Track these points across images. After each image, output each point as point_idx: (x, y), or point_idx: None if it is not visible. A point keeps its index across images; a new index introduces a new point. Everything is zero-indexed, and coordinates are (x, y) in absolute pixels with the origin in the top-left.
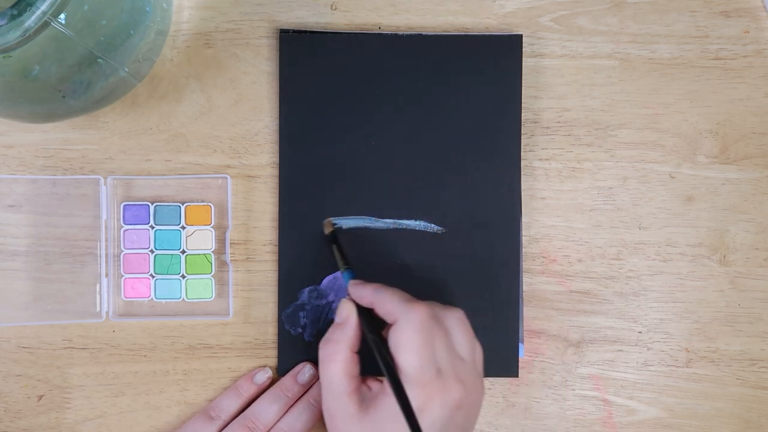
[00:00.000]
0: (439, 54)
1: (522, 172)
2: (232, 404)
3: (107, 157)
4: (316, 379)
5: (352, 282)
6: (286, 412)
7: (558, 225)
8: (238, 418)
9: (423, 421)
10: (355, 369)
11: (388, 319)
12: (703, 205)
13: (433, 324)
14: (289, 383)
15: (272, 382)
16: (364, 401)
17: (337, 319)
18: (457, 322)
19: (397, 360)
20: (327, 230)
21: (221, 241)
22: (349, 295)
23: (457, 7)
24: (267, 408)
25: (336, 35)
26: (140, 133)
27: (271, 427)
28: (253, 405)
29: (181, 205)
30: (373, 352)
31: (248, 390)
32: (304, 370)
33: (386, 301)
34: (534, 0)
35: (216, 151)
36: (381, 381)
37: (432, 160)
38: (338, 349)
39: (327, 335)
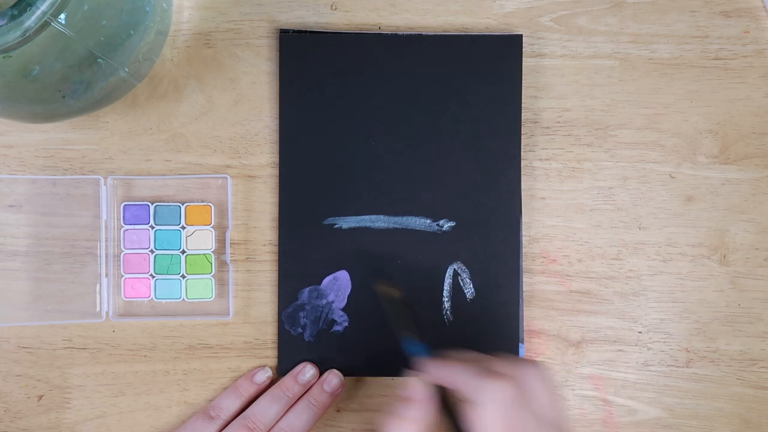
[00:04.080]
0: (439, 54)
1: (522, 172)
2: (232, 404)
3: (107, 157)
4: (316, 378)
5: (431, 362)
6: (287, 411)
7: (558, 225)
8: (238, 417)
9: None
10: None
11: (463, 395)
12: (703, 205)
13: (517, 402)
14: (290, 383)
15: (272, 382)
16: None
17: (407, 393)
18: (539, 382)
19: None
20: (392, 294)
21: (221, 241)
22: (422, 373)
23: (457, 7)
24: (267, 408)
25: (336, 35)
26: (140, 133)
27: (272, 427)
28: (254, 405)
29: (181, 205)
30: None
31: (248, 390)
32: (305, 370)
33: (462, 377)
34: (534, 0)
35: (216, 151)
36: None
37: (432, 159)
38: (409, 428)
39: (394, 409)
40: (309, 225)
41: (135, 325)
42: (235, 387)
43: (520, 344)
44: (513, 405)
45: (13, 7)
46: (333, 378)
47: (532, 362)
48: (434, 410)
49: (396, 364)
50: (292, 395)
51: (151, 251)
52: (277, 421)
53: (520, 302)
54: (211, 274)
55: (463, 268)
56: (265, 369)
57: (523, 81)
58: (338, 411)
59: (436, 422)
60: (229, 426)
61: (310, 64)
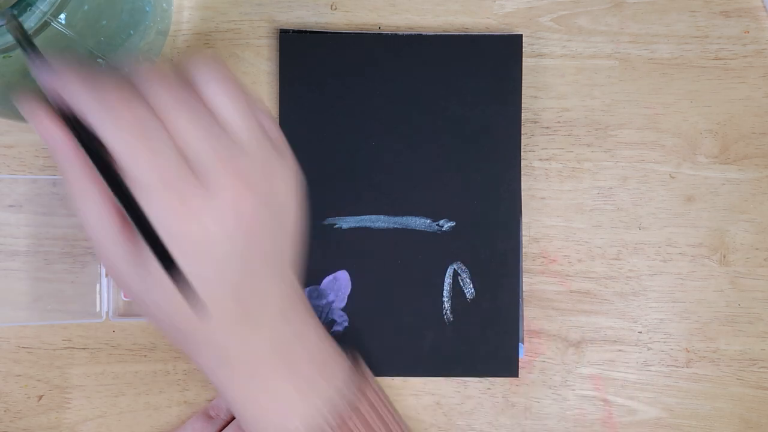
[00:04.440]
0: (439, 54)
1: (522, 172)
2: None
3: None
4: None
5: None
6: None
7: (558, 225)
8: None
9: (194, 255)
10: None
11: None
12: (703, 205)
13: (169, 99)
14: None
15: None
16: (137, 238)
17: (51, 147)
18: (213, 84)
19: (122, 165)
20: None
21: None
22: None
23: (457, 7)
24: None
25: (336, 35)
26: None
27: None
28: None
29: None
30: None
31: None
32: None
33: (79, 100)
34: (534, 0)
35: None
36: None
37: (432, 160)
38: (86, 182)
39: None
40: (309, 225)
41: (135, 325)
42: None
43: (520, 344)
44: (140, 109)
45: (13, 7)
46: None
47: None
48: (82, 152)
49: (396, 364)
50: None
51: None
52: None
53: (520, 302)
54: None
55: (463, 268)
56: None
57: (523, 81)
58: None
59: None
60: (229, 426)
61: (310, 64)
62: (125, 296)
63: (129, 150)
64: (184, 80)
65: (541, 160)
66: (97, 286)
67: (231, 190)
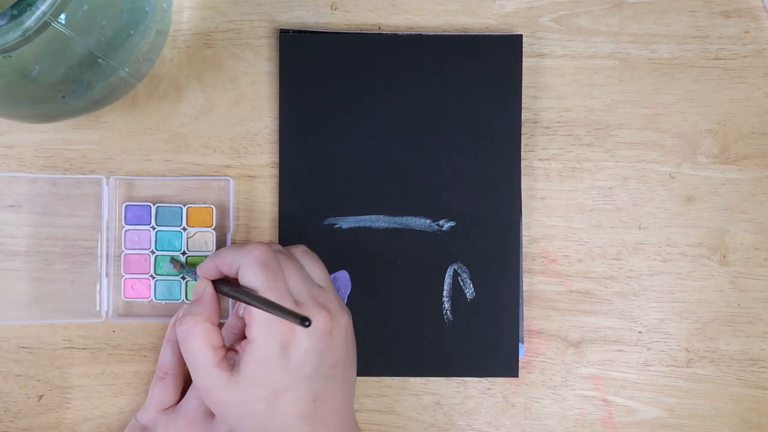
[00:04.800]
0: (439, 54)
1: (522, 172)
2: (174, 358)
3: (107, 157)
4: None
5: (201, 265)
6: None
7: (558, 225)
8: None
9: (293, 357)
10: (218, 340)
11: (234, 272)
12: (703, 205)
13: (277, 258)
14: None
15: None
16: (233, 367)
17: (193, 296)
18: (304, 254)
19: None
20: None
21: (222, 242)
22: (199, 276)
23: (457, 7)
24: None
25: (336, 35)
26: (140, 133)
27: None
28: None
29: (182, 206)
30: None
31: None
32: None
33: (225, 257)
34: (534, 0)
35: (216, 151)
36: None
37: (432, 160)
38: (196, 322)
39: (182, 312)
40: (309, 225)
41: (135, 325)
42: (167, 340)
43: (520, 344)
44: (272, 261)
45: (13, 7)
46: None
47: (298, 244)
48: (216, 300)
49: (396, 364)
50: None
51: (152, 252)
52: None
53: (520, 302)
54: None
55: (463, 268)
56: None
57: (523, 81)
58: None
59: (220, 310)
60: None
61: (310, 64)
62: (126, 296)
63: (263, 284)
64: (291, 254)
65: (541, 160)
66: (97, 286)
67: (319, 316)
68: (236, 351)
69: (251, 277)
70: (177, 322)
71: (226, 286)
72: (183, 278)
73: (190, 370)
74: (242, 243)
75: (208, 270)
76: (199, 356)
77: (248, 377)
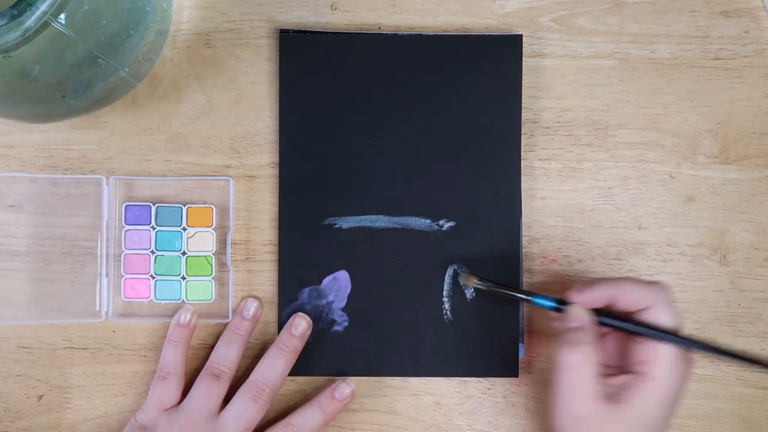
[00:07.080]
0: (439, 54)
1: (522, 172)
2: (176, 358)
3: (107, 157)
4: (261, 311)
5: (574, 291)
6: (261, 361)
7: (558, 225)
8: (203, 370)
9: (680, 399)
10: (599, 369)
11: (634, 307)
12: (703, 205)
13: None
14: (238, 322)
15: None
16: (611, 399)
17: (573, 323)
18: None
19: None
20: (477, 281)
21: (222, 242)
22: (575, 303)
23: (457, 7)
24: (225, 351)
25: (336, 35)
26: (140, 133)
27: (240, 370)
28: (212, 353)
29: (182, 206)
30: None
31: (185, 337)
32: (247, 305)
33: (632, 291)
34: (534, 0)
35: (216, 151)
36: (615, 375)
37: (432, 160)
38: (588, 352)
39: (567, 339)
40: (309, 225)
41: (135, 325)
42: (168, 339)
43: (520, 344)
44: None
45: (13, 7)
46: (344, 387)
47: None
48: (597, 331)
49: (396, 364)
50: (245, 332)
51: (152, 252)
52: (247, 367)
53: (520, 302)
54: (212, 276)
55: (464, 268)
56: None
57: (523, 81)
58: None
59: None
60: (197, 381)
61: (310, 64)
62: (126, 296)
63: (676, 326)
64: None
65: (541, 160)
66: (97, 286)
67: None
68: (606, 384)
69: (668, 317)
70: (563, 350)
71: (604, 315)
72: (486, 292)
73: (561, 395)
74: (638, 278)
75: (598, 298)
76: (587, 385)
77: (635, 413)
